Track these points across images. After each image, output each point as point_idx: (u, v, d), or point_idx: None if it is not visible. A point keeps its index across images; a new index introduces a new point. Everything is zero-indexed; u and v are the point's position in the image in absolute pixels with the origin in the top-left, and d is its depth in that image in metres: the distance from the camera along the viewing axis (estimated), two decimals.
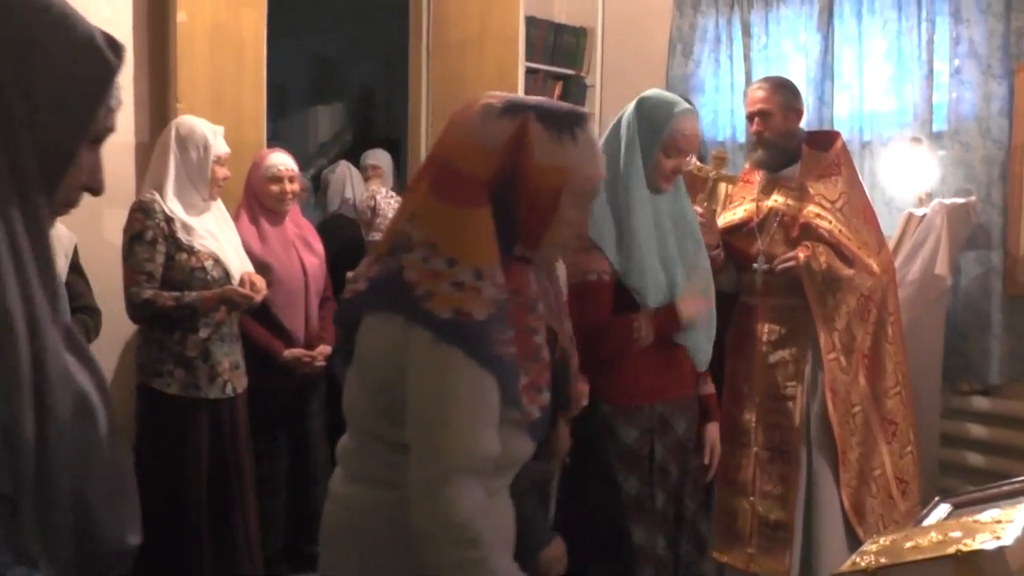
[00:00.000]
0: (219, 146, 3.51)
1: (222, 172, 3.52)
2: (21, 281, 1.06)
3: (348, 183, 5.68)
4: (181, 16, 3.96)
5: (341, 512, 1.71)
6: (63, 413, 1.09)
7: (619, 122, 2.70)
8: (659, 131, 2.62)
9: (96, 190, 1.24)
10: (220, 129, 3.56)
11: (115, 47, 1.17)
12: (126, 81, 3.89)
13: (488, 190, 1.58)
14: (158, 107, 4.02)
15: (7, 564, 1.03)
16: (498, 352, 1.53)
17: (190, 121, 3.54)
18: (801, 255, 3.22)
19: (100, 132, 1.20)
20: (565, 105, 1.68)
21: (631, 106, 2.70)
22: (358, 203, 5.53)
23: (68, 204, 1.22)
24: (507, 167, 1.58)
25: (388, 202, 4.57)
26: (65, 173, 1.15)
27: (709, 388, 2.89)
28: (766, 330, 3.38)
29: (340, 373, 1.76)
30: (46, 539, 1.08)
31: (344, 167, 5.81)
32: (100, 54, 1.15)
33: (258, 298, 3.46)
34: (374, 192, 4.52)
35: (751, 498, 3.39)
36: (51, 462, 1.07)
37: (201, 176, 3.46)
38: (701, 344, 2.74)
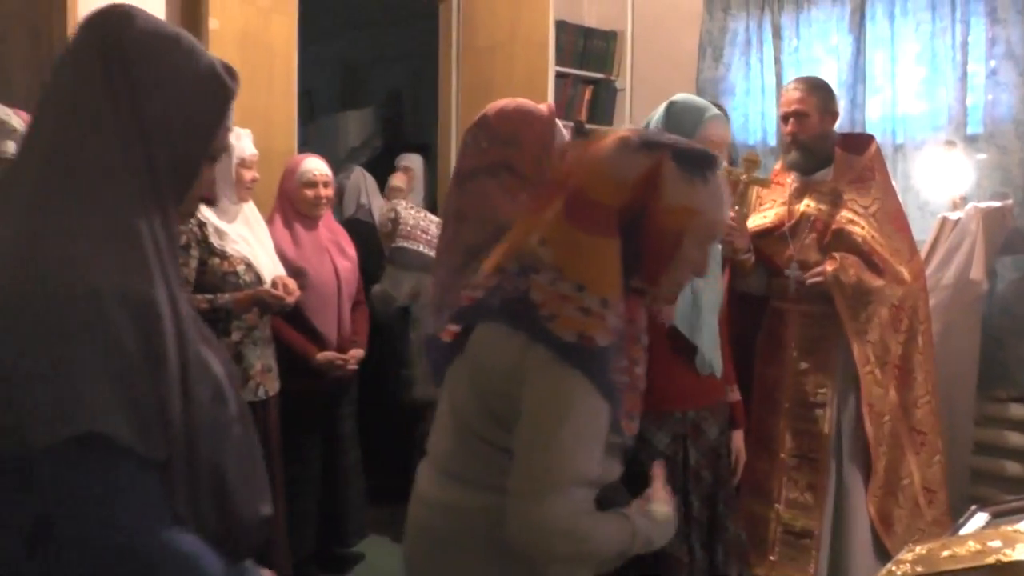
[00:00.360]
0: (243, 148, 3.51)
1: (248, 175, 3.53)
2: (165, 281, 1.24)
3: (363, 189, 5.71)
4: (213, 23, 3.99)
5: (441, 515, 1.70)
6: (202, 396, 1.26)
7: (647, 126, 2.69)
8: (688, 136, 2.60)
9: (212, 201, 1.46)
10: (245, 132, 3.57)
11: (231, 73, 1.36)
12: None
13: (618, 221, 1.60)
14: None
15: (168, 520, 1.20)
16: (613, 379, 1.56)
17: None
18: (829, 268, 3.19)
19: (218, 149, 1.38)
20: (699, 147, 1.70)
21: (660, 110, 2.69)
22: (376, 214, 5.55)
23: (190, 214, 1.46)
24: (637, 202, 1.60)
25: (410, 212, 4.58)
26: (191, 186, 1.34)
27: (735, 395, 2.87)
28: (797, 336, 3.35)
29: (440, 367, 1.78)
30: (190, 506, 1.24)
31: (359, 173, 5.85)
32: (221, 80, 1.34)
33: (290, 300, 3.46)
34: (395, 205, 4.57)
35: (776, 505, 3.35)
36: (194, 439, 1.23)
37: (226, 180, 3.48)
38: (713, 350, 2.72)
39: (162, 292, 1.22)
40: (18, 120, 1.79)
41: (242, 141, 3.52)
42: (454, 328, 1.74)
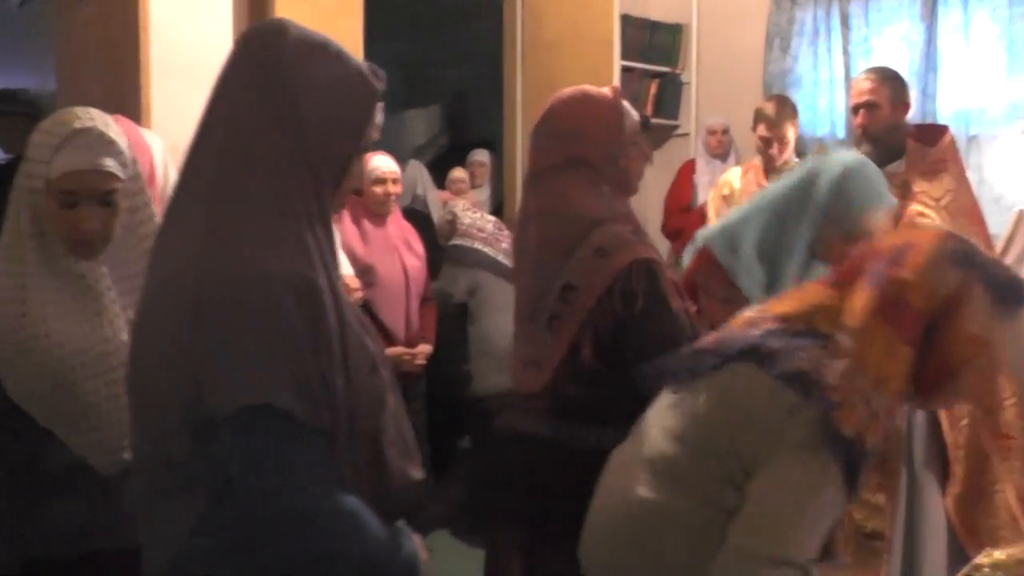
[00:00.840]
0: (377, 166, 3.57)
1: (380, 189, 3.59)
2: (324, 268, 1.36)
3: (419, 181, 5.76)
4: None
5: (647, 517, 1.69)
6: (361, 369, 1.38)
7: (809, 180, 2.57)
8: (852, 212, 2.49)
9: (360, 192, 1.61)
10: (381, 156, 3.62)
11: (376, 74, 1.46)
12: None
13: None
14: None
15: (335, 484, 1.32)
16: (863, 479, 1.58)
17: None
18: None
19: (366, 145, 1.49)
20: (1013, 278, 1.67)
21: (835, 174, 2.54)
22: (432, 206, 5.60)
23: (341, 206, 1.59)
24: (935, 315, 1.58)
25: (466, 212, 4.62)
26: (344, 181, 1.45)
27: None
28: None
29: (678, 376, 1.77)
30: (351, 471, 1.36)
31: (415, 166, 5.89)
32: (367, 81, 1.44)
33: (354, 297, 3.50)
34: (452, 207, 4.62)
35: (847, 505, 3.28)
36: (354, 409, 1.36)
37: None
38: None
39: (323, 277, 1.34)
40: (116, 130, 1.85)
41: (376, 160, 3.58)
42: (718, 350, 1.72)
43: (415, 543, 1.50)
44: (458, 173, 5.75)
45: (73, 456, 1.84)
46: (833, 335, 1.58)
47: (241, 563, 1.33)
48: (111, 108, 2.24)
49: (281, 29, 1.41)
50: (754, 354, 1.62)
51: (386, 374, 1.48)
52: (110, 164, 1.83)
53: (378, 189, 3.92)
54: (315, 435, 1.30)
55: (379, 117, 1.46)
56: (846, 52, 4.63)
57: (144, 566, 1.45)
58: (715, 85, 5.42)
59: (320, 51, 1.41)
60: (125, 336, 1.82)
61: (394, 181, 3.98)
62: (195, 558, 1.34)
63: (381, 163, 3.97)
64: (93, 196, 1.81)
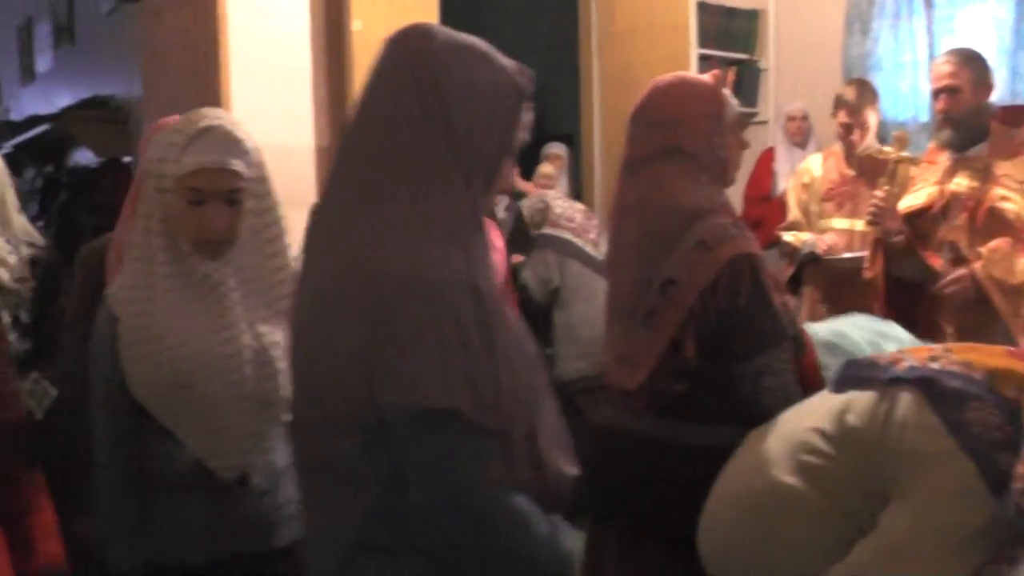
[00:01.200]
0: None
1: None
2: (484, 267, 1.39)
3: None
4: (356, 24, 4.09)
5: (774, 497, 1.70)
6: (521, 367, 1.40)
7: None
8: None
9: (507, 192, 1.57)
10: None
11: (522, 73, 1.46)
12: (305, 88, 4.10)
13: None
14: (336, 111, 4.17)
15: (505, 483, 1.34)
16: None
17: None
18: (973, 268, 3.01)
19: (516, 144, 1.49)
20: None
21: None
22: (524, 205, 5.62)
23: (491, 206, 1.61)
24: None
25: (557, 202, 4.62)
26: (495, 181, 1.45)
27: None
28: (955, 323, 3.19)
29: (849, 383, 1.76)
30: (514, 468, 1.37)
31: None
32: (515, 81, 1.44)
33: None
34: (543, 195, 4.62)
35: None
36: (517, 408, 1.38)
37: None
38: None
39: (483, 277, 1.37)
40: (244, 131, 1.90)
41: None
42: (891, 369, 1.72)
43: (571, 539, 1.52)
44: (546, 169, 5.75)
45: (193, 459, 1.88)
46: (1013, 400, 1.57)
47: (413, 560, 1.36)
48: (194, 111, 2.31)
49: (429, 32, 1.44)
50: (926, 386, 1.61)
51: (542, 373, 1.51)
52: (236, 163, 1.85)
53: None
54: (488, 436, 1.33)
55: (527, 116, 1.46)
56: (929, 32, 4.51)
57: (309, 560, 1.50)
58: (793, 71, 5.34)
59: (469, 53, 1.42)
60: (248, 339, 1.89)
61: None
62: (366, 553, 1.37)
63: None
64: (219, 194, 1.84)
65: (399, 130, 1.38)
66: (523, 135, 1.48)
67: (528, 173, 5.96)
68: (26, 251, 2.50)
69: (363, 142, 1.42)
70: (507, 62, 1.45)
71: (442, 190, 1.37)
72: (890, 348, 2.08)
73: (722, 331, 1.94)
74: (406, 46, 1.44)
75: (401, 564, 1.36)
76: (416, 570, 1.36)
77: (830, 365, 2.15)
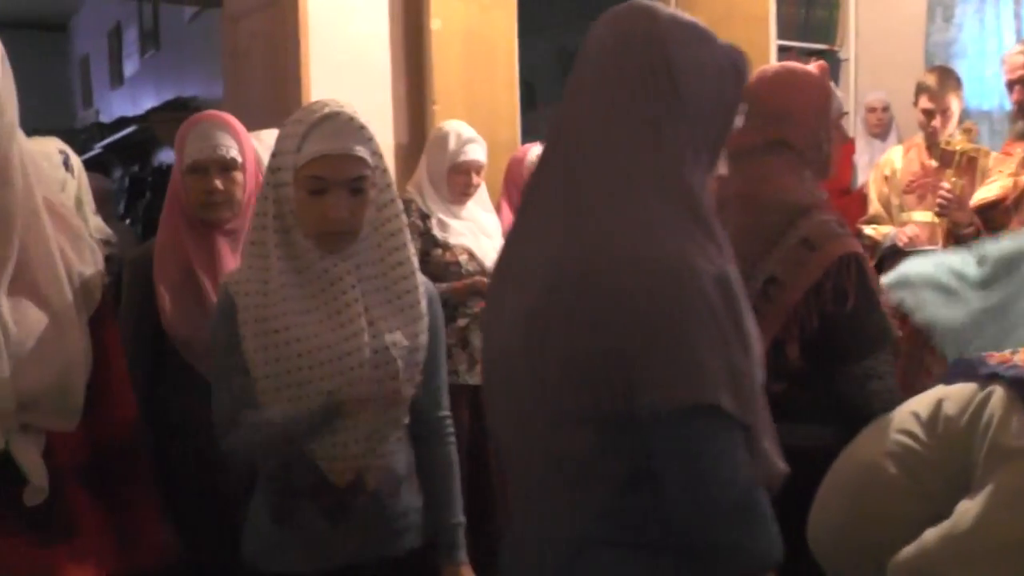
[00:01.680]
0: (465, 153, 3.62)
1: (462, 180, 3.63)
2: (729, 253, 1.35)
3: None
4: (435, 23, 4.14)
5: (867, 475, 1.69)
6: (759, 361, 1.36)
7: None
8: None
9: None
10: (470, 137, 3.66)
11: (739, 54, 1.41)
12: (384, 87, 4.16)
13: None
14: (415, 109, 4.22)
15: (754, 479, 1.30)
16: None
17: (445, 127, 3.72)
18: None
19: (733, 127, 1.46)
20: None
21: None
22: None
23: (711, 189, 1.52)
24: None
25: None
26: (717, 160, 1.43)
27: None
28: None
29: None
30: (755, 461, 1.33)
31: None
32: (737, 61, 1.41)
33: None
34: None
35: None
36: (760, 399, 1.35)
37: (442, 181, 3.63)
38: None
39: (731, 266, 1.33)
40: (365, 119, 1.84)
41: (466, 147, 3.62)
42: (994, 366, 1.70)
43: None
44: None
45: (307, 462, 1.83)
46: None
47: (640, 555, 1.33)
48: (274, 111, 2.36)
49: (652, 11, 1.39)
50: (1020, 385, 1.58)
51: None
52: (360, 150, 1.78)
53: None
54: (742, 431, 1.30)
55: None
56: (1017, 17, 4.40)
57: (523, 558, 1.45)
58: (874, 60, 5.25)
59: (692, 32, 1.38)
60: (367, 337, 1.82)
61: None
62: (592, 550, 1.34)
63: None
64: (342, 182, 1.76)
65: (631, 111, 1.33)
66: (738, 119, 1.45)
67: None
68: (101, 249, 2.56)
69: (588, 123, 1.36)
70: (725, 43, 1.41)
71: (681, 173, 1.33)
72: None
73: (826, 333, 1.88)
74: (631, 26, 1.38)
75: (629, 560, 1.33)
76: (644, 566, 1.33)
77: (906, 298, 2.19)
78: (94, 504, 1.60)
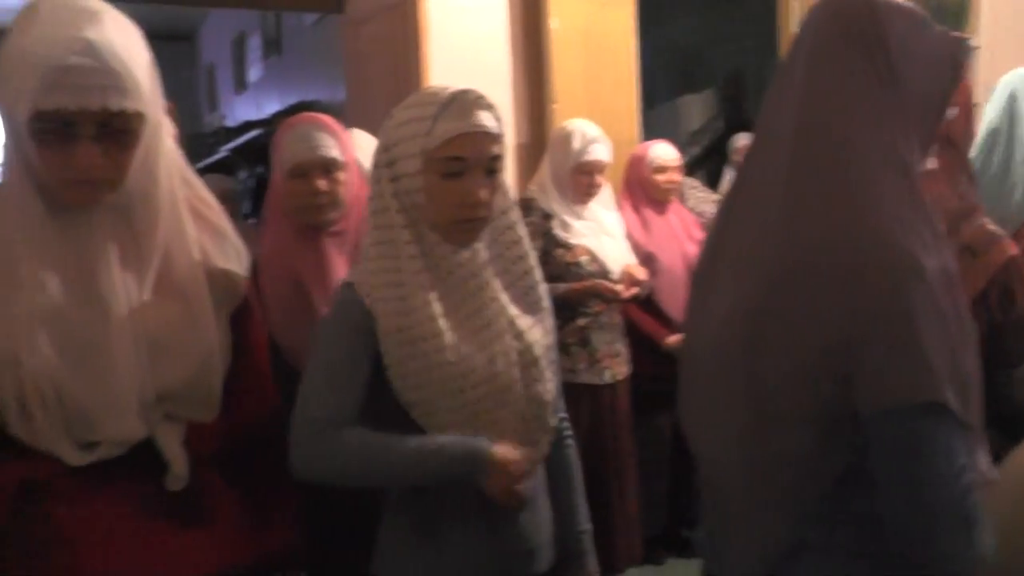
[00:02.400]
0: (589, 153, 3.57)
1: (585, 180, 3.59)
2: (947, 247, 1.30)
3: None
4: (554, 22, 4.13)
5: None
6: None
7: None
8: None
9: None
10: (594, 136, 3.61)
11: (958, 43, 1.40)
12: (504, 87, 4.16)
13: None
14: (535, 109, 4.22)
15: (973, 487, 1.25)
16: None
17: (568, 127, 3.68)
18: None
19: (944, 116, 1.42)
20: None
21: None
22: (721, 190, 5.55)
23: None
24: None
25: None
26: (928, 150, 1.39)
27: None
28: None
29: None
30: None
31: None
32: (955, 50, 1.38)
33: (625, 294, 3.52)
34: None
35: None
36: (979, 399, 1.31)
37: (565, 181, 3.60)
38: None
39: (951, 261, 1.29)
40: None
41: (589, 147, 3.58)
42: None
43: None
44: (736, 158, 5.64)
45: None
46: None
47: (854, 563, 1.31)
48: None
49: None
50: None
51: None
52: (494, 126, 1.67)
53: (660, 178, 3.94)
54: (965, 430, 1.26)
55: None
56: None
57: (735, 558, 1.42)
58: (1010, 47, 5.01)
59: (912, 19, 1.35)
60: (510, 338, 1.72)
61: (676, 169, 3.98)
62: (804, 554, 1.32)
63: (663, 151, 3.98)
64: (480, 162, 1.65)
65: (849, 97, 1.31)
66: (950, 110, 1.40)
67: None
68: None
69: (805, 111, 1.34)
70: (943, 31, 1.38)
71: (903, 162, 1.30)
72: None
73: (992, 339, 1.83)
74: (849, 12, 1.35)
75: (841, 566, 1.31)
76: (856, 573, 1.31)
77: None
78: (228, 491, 1.63)
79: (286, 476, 1.70)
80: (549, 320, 1.83)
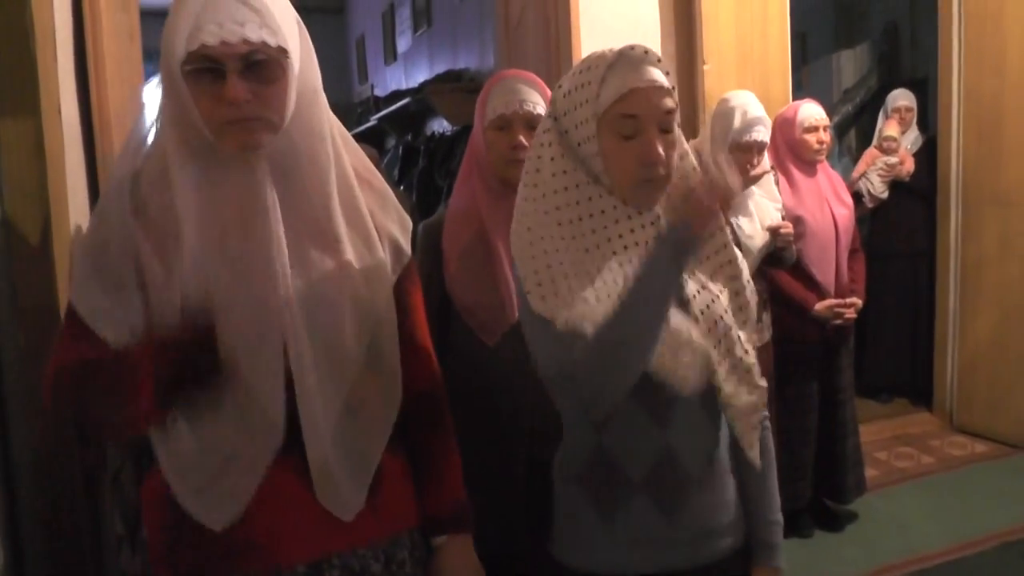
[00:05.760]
0: (750, 134, 3.42)
1: (744, 159, 3.44)
2: None
3: None
4: None
5: None
6: None
7: None
8: None
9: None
10: (756, 117, 3.44)
11: None
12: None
13: None
14: (686, 68, 4.16)
15: None
16: None
17: (731, 102, 3.51)
18: None
19: None
20: None
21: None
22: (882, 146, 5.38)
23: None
24: None
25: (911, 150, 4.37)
26: None
27: None
28: None
29: None
30: None
31: None
32: None
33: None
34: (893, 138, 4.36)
35: None
36: None
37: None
38: None
39: None
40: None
41: (751, 129, 3.44)
42: None
43: None
44: (890, 129, 5.40)
45: (658, 446, 1.63)
46: None
47: None
48: (546, 78, 2.38)
49: None
50: None
51: None
52: (664, 80, 1.57)
53: (810, 138, 3.82)
54: None
55: None
56: None
57: None
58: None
59: None
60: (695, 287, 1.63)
61: (824, 129, 3.86)
62: None
63: (812, 111, 3.86)
64: (654, 117, 1.55)
65: None
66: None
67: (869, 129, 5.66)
68: None
69: None
70: None
71: None
72: None
73: None
74: None
75: None
76: None
77: None
78: (397, 454, 1.67)
79: (452, 439, 1.75)
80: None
